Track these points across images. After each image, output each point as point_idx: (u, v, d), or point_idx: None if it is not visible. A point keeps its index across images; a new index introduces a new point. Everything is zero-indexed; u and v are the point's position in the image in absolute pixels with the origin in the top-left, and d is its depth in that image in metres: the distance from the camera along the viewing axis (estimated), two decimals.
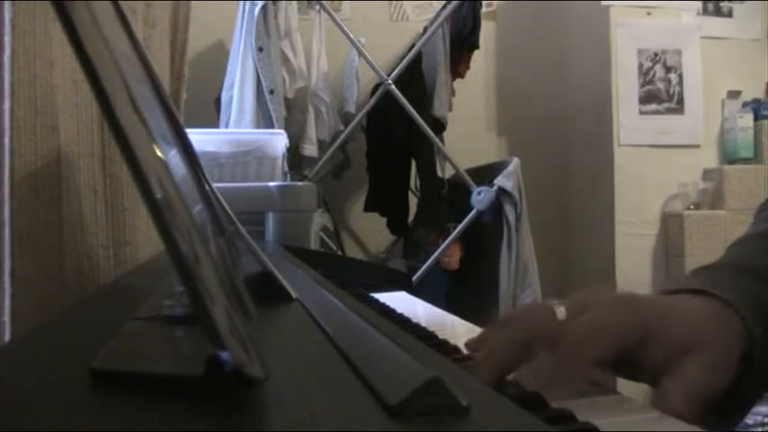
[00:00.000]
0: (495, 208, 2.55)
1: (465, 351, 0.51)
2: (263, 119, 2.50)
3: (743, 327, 0.47)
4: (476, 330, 0.64)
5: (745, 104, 3.07)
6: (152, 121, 0.30)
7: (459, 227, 2.58)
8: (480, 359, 0.46)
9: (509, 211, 2.53)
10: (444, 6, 2.74)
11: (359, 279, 0.99)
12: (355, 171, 3.04)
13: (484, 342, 0.49)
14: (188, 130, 0.64)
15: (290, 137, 1.97)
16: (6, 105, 0.59)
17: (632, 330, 0.45)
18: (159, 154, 0.28)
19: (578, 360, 0.43)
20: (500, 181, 2.54)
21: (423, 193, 2.86)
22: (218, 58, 2.86)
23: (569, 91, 3.35)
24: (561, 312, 0.47)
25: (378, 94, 2.59)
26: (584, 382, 0.44)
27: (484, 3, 3.06)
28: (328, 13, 2.64)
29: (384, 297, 0.84)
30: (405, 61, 2.64)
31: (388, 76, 2.58)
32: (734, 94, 3.08)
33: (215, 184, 0.60)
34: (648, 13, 2.98)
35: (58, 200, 0.67)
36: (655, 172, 2.94)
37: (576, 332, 0.44)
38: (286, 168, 1.75)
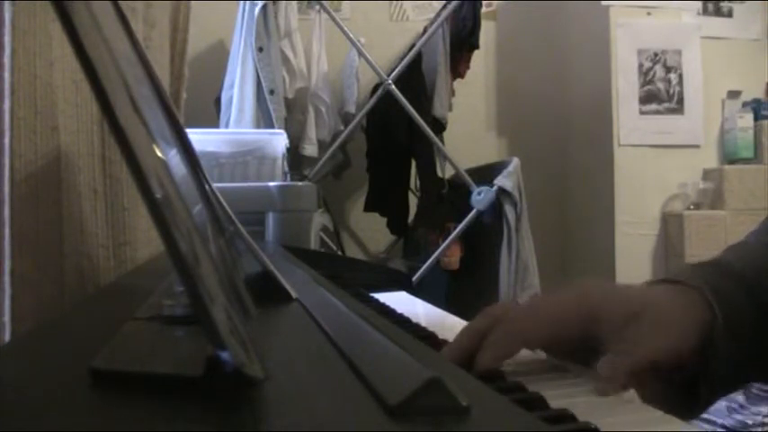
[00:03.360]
0: (495, 208, 2.55)
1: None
2: (263, 119, 2.50)
3: (706, 306, 0.48)
4: None
5: (745, 104, 3.07)
6: (152, 121, 0.30)
7: (460, 227, 2.58)
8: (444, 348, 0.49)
9: (509, 211, 2.53)
10: (444, 6, 2.74)
11: (359, 279, 0.99)
12: (355, 171, 3.05)
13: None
14: (188, 130, 0.64)
15: (290, 137, 1.97)
16: (6, 105, 0.59)
17: (569, 314, 0.47)
18: (159, 154, 0.28)
19: (501, 340, 0.46)
20: (500, 181, 2.54)
21: (423, 193, 2.86)
22: (218, 58, 2.86)
23: (569, 91, 3.35)
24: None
25: (378, 94, 2.59)
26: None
27: (484, 3, 3.06)
28: (328, 13, 2.64)
29: (384, 297, 0.84)
30: (405, 61, 2.64)
31: (388, 76, 2.58)
32: (734, 94, 3.08)
33: (215, 184, 0.60)
34: (648, 13, 2.98)
35: (57, 200, 0.67)
36: (655, 172, 2.94)
37: (504, 317, 0.48)
38: (286, 168, 1.75)
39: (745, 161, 3.00)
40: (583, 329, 0.47)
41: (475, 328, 0.49)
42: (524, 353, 0.49)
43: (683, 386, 0.48)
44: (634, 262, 2.90)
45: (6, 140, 0.59)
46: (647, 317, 0.46)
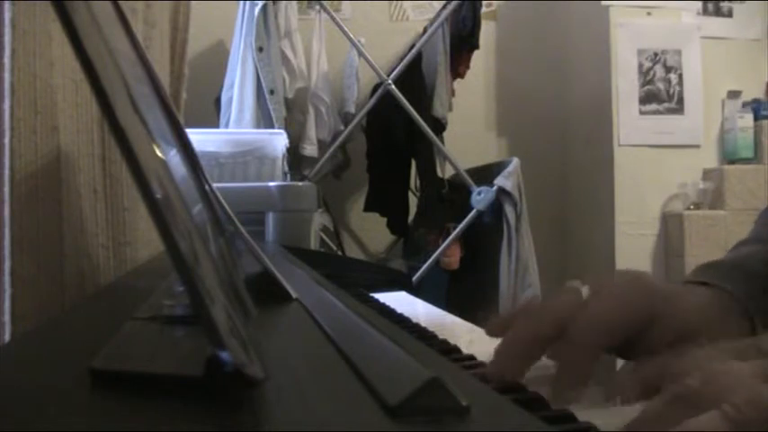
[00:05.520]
0: (495, 208, 2.55)
1: (465, 350, 0.51)
2: (263, 119, 2.50)
3: (746, 318, 0.48)
4: (476, 330, 0.64)
5: (745, 104, 3.07)
6: (152, 121, 0.30)
7: (460, 227, 2.58)
8: (501, 349, 0.44)
9: (509, 211, 2.53)
10: (444, 6, 2.74)
11: (359, 279, 0.99)
12: (355, 171, 3.05)
13: (507, 327, 0.46)
14: (188, 130, 0.64)
15: (290, 137, 1.97)
16: (6, 105, 0.59)
17: (640, 312, 0.44)
18: (159, 154, 0.28)
19: (583, 348, 0.42)
20: (500, 181, 2.54)
21: (423, 193, 2.86)
22: (218, 58, 2.86)
23: (569, 91, 3.35)
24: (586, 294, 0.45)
25: (378, 94, 2.59)
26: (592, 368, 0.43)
27: (484, 3, 3.07)
28: (328, 13, 2.64)
29: (384, 297, 0.84)
30: (405, 61, 2.64)
31: (388, 76, 2.58)
32: (734, 94, 3.08)
33: (215, 184, 0.60)
34: (648, 13, 2.98)
35: (58, 200, 0.67)
36: (655, 172, 2.94)
37: (583, 319, 0.43)
38: (286, 168, 1.76)
39: (745, 161, 3.00)
40: (635, 328, 0.44)
41: (537, 332, 0.43)
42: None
43: None
44: (634, 262, 2.90)
45: (6, 140, 0.59)
46: (700, 338, 0.44)
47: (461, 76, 2.98)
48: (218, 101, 2.61)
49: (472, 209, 2.55)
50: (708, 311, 0.47)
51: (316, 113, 2.71)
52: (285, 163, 1.74)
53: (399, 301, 0.84)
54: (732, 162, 3.01)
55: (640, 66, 2.96)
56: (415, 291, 1.08)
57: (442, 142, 2.75)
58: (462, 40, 2.80)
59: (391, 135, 2.74)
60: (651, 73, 2.97)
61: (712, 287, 0.50)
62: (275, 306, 0.50)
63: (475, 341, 0.57)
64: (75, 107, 0.72)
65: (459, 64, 2.90)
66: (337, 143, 2.67)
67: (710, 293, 0.49)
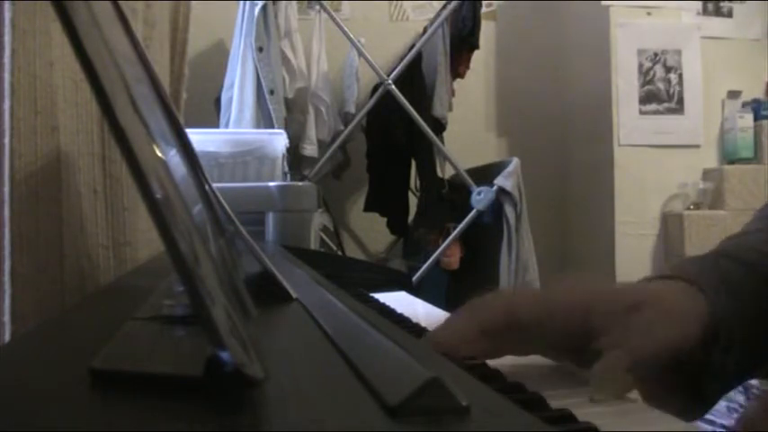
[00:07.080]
0: (495, 208, 2.55)
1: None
2: (263, 119, 2.50)
3: (705, 302, 0.46)
4: None
5: (745, 104, 3.07)
6: (152, 121, 0.30)
7: (460, 227, 2.58)
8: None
9: (509, 211, 2.53)
10: (444, 6, 2.74)
11: (359, 279, 0.99)
12: (355, 171, 3.05)
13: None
14: (188, 130, 0.64)
15: (290, 137, 1.97)
16: (6, 105, 0.59)
17: (563, 298, 0.46)
18: (159, 154, 0.28)
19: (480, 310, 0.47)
20: (500, 181, 2.54)
21: (423, 193, 2.86)
22: (218, 58, 2.86)
23: (569, 91, 3.35)
24: None
25: (378, 94, 2.59)
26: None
27: (484, 3, 3.07)
28: (328, 13, 2.64)
29: (384, 297, 0.84)
30: (405, 61, 2.65)
31: (388, 76, 2.58)
32: (734, 94, 3.08)
33: (215, 184, 0.60)
34: (648, 13, 2.98)
35: (57, 200, 0.67)
36: (655, 172, 2.94)
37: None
38: (286, 168, 1.76)
39: (745, 161, 3.00)
40: (577, 319, 0.44)
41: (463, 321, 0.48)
42: (530, 358, 0.48)
43: (686, 387, 0.47)
44: (634, 262, 2.90)
45: (6, 140, 0.59)
46: (648, 307, 0.44)
47: (461, 76, 2.98)
48: (218, 101, 2.61)
49: (472, 209, 2.55)
50: (657, 297, 0.46)
51: (316, 113, 2.71)
52: (285, 163, 1.74)
53: (399, 301, 0.84)
54: (732, 162, 3.01)
55: (640, 66, 2.96)
56: (415, 291, 1.08)
57: (442, 142, 2.75)
58: (462, 40, 2.80)
59: (391, 135, 2.74)
60: (651, 73, 2.97)
61: (672, 278, 0.49)
62: (275, 306, 0.50)
63: None
64: (75, 107, 0.72)
65: (459, 64, 2.90)
66: (337, 143, 2.67)
67: (668, 285, 0.48)
